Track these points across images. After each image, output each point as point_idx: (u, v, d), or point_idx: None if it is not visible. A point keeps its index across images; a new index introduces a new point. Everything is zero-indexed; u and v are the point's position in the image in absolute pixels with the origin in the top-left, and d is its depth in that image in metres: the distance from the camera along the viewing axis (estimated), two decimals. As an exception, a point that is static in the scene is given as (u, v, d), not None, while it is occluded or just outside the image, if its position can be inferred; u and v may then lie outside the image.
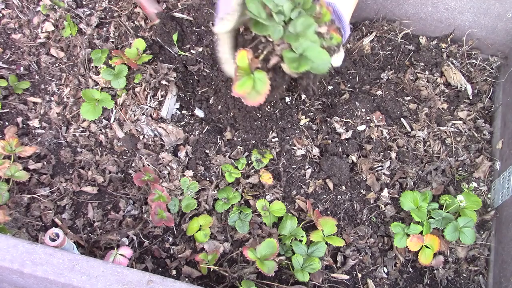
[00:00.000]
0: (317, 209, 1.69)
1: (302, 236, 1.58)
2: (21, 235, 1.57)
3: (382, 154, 1.78)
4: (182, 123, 1.82)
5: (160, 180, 1.70)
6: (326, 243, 1.56)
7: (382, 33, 2.05)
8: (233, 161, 1.76)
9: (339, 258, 1.63)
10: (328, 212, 1.71)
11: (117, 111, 1.83)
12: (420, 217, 1.60)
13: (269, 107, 1.85)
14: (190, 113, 1.86)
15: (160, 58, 1.91)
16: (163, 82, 1.84)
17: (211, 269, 1.53)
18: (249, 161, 1.76)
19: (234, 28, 1.22)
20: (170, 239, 1.65)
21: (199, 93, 1.89)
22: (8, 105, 1.86)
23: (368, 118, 1.85)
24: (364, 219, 1.70)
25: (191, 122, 1.83)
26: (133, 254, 1.58)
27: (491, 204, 1.74)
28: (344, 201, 1.72)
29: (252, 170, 1.76)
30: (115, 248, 1.53)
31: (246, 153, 1.79)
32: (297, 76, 1.32)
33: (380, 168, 1.75)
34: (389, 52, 2.01)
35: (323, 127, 1.84)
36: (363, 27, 2.04)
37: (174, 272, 1.59)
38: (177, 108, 1.86)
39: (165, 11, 1.91)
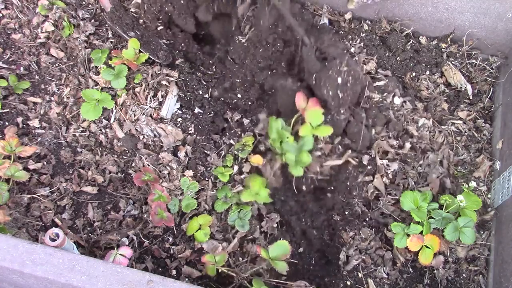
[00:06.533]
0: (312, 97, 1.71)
1: (287, 138, 1.65)
2: (21, 235, 1.57)
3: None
4: (182, 124, 1.82)
5: (160, 180, 1.70)
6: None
7: (383, 33, 2.05)
8: (223, 160, 1.79)
9: (342, 256, 1.64)
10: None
11: (117, 111, 1.83)
12: (420, 217, 1.60)
13: None
14: (191, 113, 1.86)
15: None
16: (164, 82, 1.84)
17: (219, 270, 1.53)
18: (236, 156, 1.79)
19: None
20: (170, 239, 1.65)
21: (200, 93, 1.89)
22: (8, 105, 1.86)
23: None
24: (367, 219, 1.70)
25: (192, 122, 1.83)
26: (133, 254, 1.58)
27: (491, 204, 1.74)
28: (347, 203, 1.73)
29: (243, 161, 1.79)
30: (115, 248, 1.53)
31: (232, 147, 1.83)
32: None
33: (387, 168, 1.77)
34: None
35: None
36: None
37: (174, 272, 1.59)
38: (177, 108, 1.86)
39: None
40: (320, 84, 1.65)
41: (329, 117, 1.70)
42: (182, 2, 1.87)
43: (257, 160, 1.73)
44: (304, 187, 1.73)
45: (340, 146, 1.74)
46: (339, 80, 1.63)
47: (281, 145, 1.65)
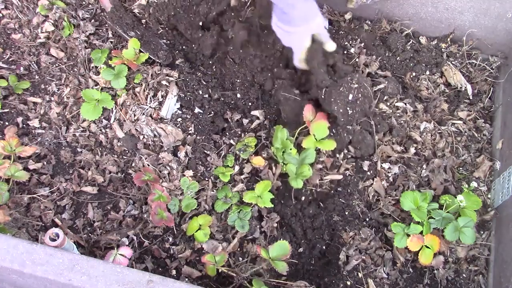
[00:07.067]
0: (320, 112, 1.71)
1: (291, 149, 1.66)
2: (21, 235, 1.57)
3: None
4: (182, 124, 1.82)
5: (160, 180, 1.70)
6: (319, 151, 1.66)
7: (383, 33, 2.05)
8: (223, 160, 1.79)
9: (342, 256, 1.64)
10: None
11: (117, 111, 1.83)
12: (420, 217, 1.60)
13: None
14: (191, 113, 1.86)
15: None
16: (164, 82, 1.84)
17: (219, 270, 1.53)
18: (237, 156, 1.78)
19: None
20: (170, 239, 1.65)
21: (200, 93, 1.89)
22: (8, 105, 1.87)
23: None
24: (367, 219, 1.70)
25: (192, 122, 1.83)
26: (133, 254, 1.58)
27: (491, 204, 1.74)
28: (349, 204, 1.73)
29: (244, 162, 1.78)
30: (115, 248, 1.53)
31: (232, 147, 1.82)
32: None
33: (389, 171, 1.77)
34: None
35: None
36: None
37: (174, 272, 1.59)
38: (177, 108, 1.86)
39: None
40: (330, 99, 1.64)
41: (333, 131, 1.71)
42: (191, 19, 1.87)
43: (258, 161, 1.73)
44: (303, 198, 1.73)
45: (342, 162, 1.75)
46: (350, 97, 1.63)
47: (283, 155, 1.65)
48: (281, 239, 1.62)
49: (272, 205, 1.65)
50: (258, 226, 1.66)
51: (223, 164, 1.77)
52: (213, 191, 1.71)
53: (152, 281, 1.13)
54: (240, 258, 1.61)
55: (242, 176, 1.76)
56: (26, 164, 1.73)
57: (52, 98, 1.88)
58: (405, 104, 1.88)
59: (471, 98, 1.95)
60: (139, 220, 1.68)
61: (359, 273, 1.61)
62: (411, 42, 2.03)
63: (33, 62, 1.95)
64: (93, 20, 2.02)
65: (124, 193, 1.72)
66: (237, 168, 1.77)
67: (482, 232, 1.70)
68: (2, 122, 1.84)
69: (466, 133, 1.87)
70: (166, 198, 1.63)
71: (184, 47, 2.00)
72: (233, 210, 1.65)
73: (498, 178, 1.74)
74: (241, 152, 1.76)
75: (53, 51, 1.96)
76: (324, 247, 1.69)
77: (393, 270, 1.63)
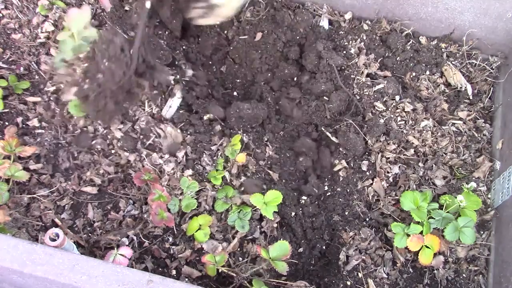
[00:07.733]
0: None
1: None
2: (21, 235, 1.57)
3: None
4: (182, 124, 1.82)
5: (160, 180, 1.70)
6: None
7: (383, 33, 2.05)
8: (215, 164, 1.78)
9: (342, 256, 1.64)
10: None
11: (117, 111, 1.83)
12: (420, 217, 1.60)
13: None
14: (191, 114, 1.86)
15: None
16: (163, 82, 1.84)
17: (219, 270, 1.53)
18: (226, 157, 1.78)
19: None
20: (170, 239, 1.65)
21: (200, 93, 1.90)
22: (8, 105, 1.86)
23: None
24: (367, 219, 1.70)
25: (191, 122, 1.83)
26: (133, 254, 1.58)
27: (491, 204, 1.74)
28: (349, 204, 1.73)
29: (235, 161, 1.77)
30: (115, 248, 1.53)
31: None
32: None
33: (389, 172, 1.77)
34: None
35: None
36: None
37: (174, 272, 1.59)
38: (177, 108, 1.86)
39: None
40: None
41: None
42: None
43: (240, 159, 1.72)
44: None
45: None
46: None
47: None
48: (281, 239, 1.62)
49: (273, 218, 1.64)
50: (258, 226, 1.66)
51: (215, 168, 1.75)
52: (213, 191, 1.70)
53: (152, 281, 1.13)
54: (240, 258, 1.61)
55: (234, 177, 1.75)
56: (26, 164, 1.73)
57: (52, 98, 1.87)
58: (405, 106, 1.87)
59: (471, 98, 1.95)
60: (139, 220, 1.68)
61: (359, 273, 1.62)
62: (411, 42, 2.03)
63: (33, 62, 1.95)
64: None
65: (124, 193, 1.72)
66: (228, 169, 1.76)
67: (482, 232, 1.70)
68: (2, 122, 1.84)
69: (466, 133, 1.87)
70: (166, 198, 1.63)
71: (184, 47, 2.00)
72: (233, 210, 1.65)
73: (498, 178, 1.74)
74: (230, 153, 1.74)
75: (53, 51, 1.95)
76: (324, 247, 1.69)
77: (393, 270, 1.63)
